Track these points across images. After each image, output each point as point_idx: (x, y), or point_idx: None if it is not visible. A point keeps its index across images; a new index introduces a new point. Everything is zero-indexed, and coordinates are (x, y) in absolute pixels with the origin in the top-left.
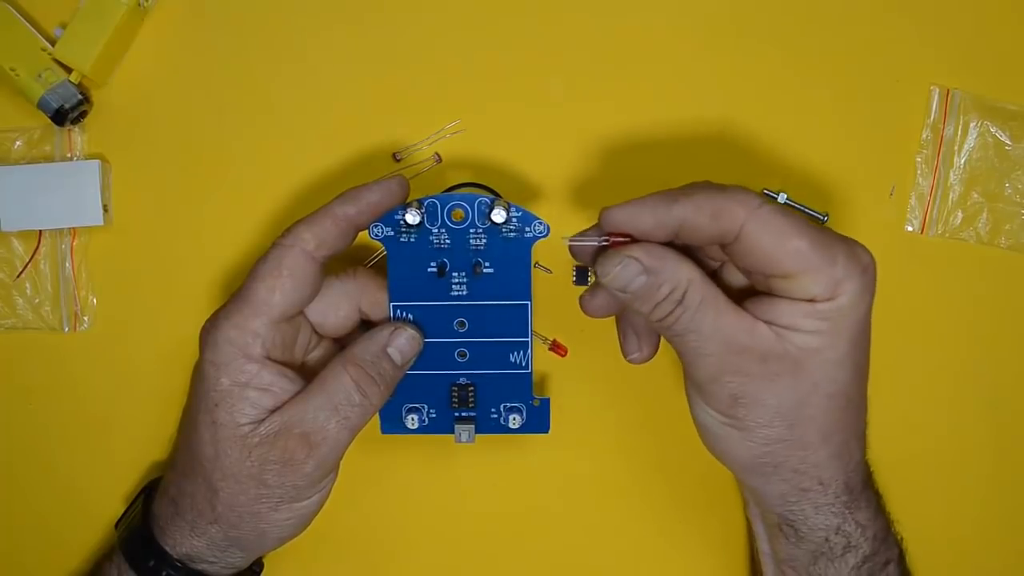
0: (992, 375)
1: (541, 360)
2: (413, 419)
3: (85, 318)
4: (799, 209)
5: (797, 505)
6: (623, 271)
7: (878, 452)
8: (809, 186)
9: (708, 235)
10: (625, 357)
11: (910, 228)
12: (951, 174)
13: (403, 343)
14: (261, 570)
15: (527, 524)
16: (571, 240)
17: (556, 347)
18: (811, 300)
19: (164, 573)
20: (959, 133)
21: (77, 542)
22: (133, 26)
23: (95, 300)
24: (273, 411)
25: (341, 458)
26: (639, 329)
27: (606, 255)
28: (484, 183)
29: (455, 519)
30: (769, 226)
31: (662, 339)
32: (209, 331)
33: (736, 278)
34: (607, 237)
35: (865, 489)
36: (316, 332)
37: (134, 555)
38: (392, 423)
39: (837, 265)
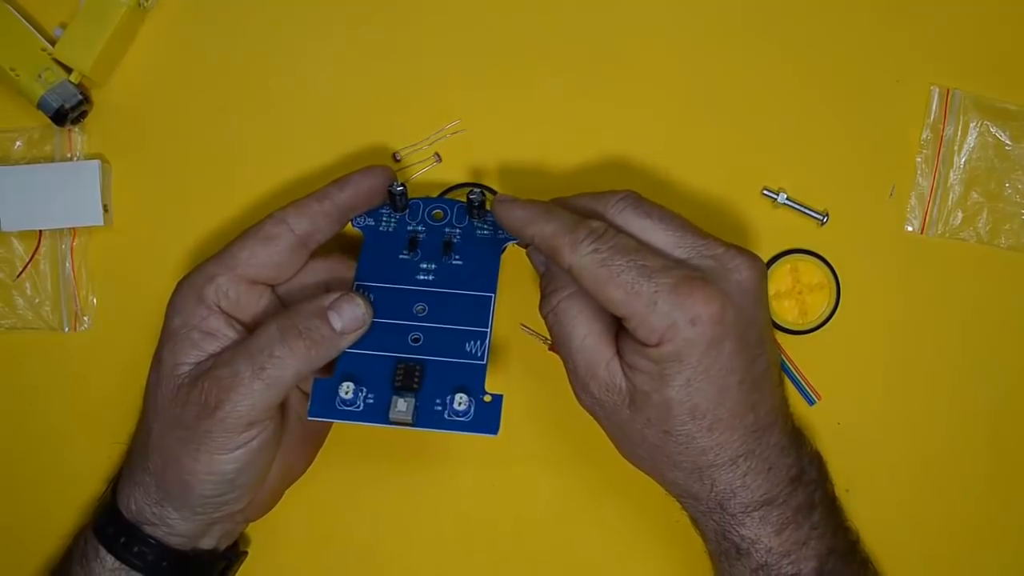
0: (992, 375)
1: (540, 362)
2: (348, 388)
3: (85, 318)
4: (797, 209)
5: (691, 510)
6: (532, 253)
7: (877, 451)
8: (809, 186)
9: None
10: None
11: (910, 228)
12: (951, 174)
13: (347, 310)
14: (237, 558)
15: (519, 529)
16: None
17: (555, 348)
18: (642, 343)
19: (122, 540)
20: (959, 133)
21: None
22: (133, 26)
23: (95, 300)
24: (212, 356)
25: (262, 412)
26: None
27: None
28: (484, 183)
29: (440, 525)
30: (587, 274)
31: None
32: (181, 280)
33: None
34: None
35: (750, 510)
36: (284, 305)
37: (98, 523)
38: (322, 406)
39: (656, 315)
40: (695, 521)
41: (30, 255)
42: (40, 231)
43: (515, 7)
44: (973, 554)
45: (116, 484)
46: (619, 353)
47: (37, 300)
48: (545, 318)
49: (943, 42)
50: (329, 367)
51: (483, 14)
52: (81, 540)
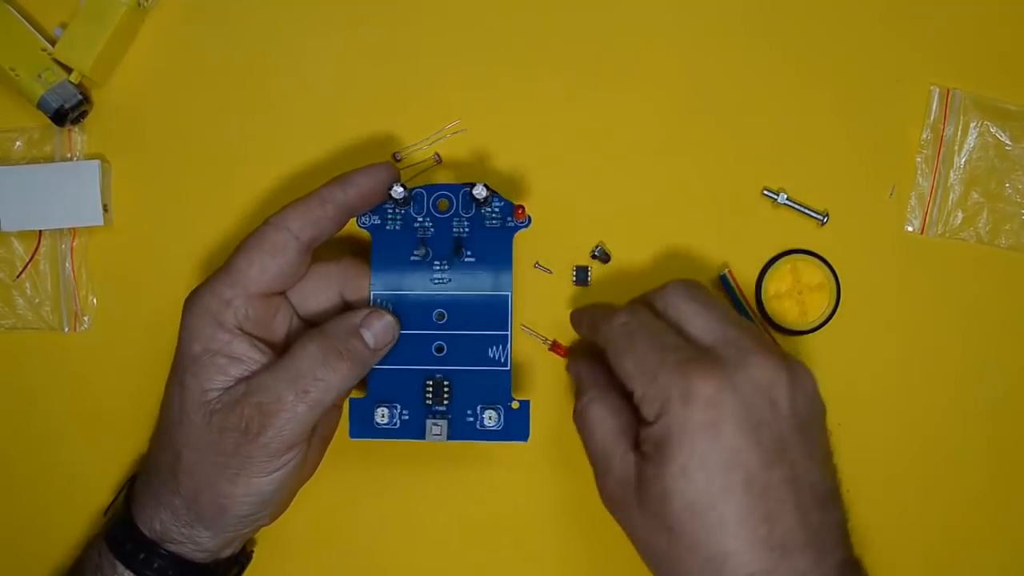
0: (992, 375)
1: (538, 364)
2: (384, 413)
3: (85, 318)
4: (797, 209)
5: None
6: (569, 367)
7: (877, 451)
8: (809, 186)
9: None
10: None
11: (910, 228)
12: (951, 174)
13: (378, 326)
14: (247, 561)
15: (526, 530)
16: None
17: (556, 347)
18: (644, 420)
19: (141, 556)
20: (959, 133)
21: (77, 540)
22: (133, 26)
23: (95, 300)
24: (241, 380)
25: (302, 434)
26: None
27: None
28: (485, 183)
29: (445, 528)
30: (611, 343)
31: None
32: (190, 298)
33: None
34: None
35: None
36: (298, 315)
37: (114, 538)
38: (362, 426)
39: (654, 386)
40: None
41: (30, 255)
42: (40, 231)
43: (515, 7)
44: (973, 554)
45: (130, 499)
46: (635, 446)
47: (37, 300)
48: (575, 422)
49: (943, 42)
50: (360, 383)
51: (483, 14)
52: (94, 553)
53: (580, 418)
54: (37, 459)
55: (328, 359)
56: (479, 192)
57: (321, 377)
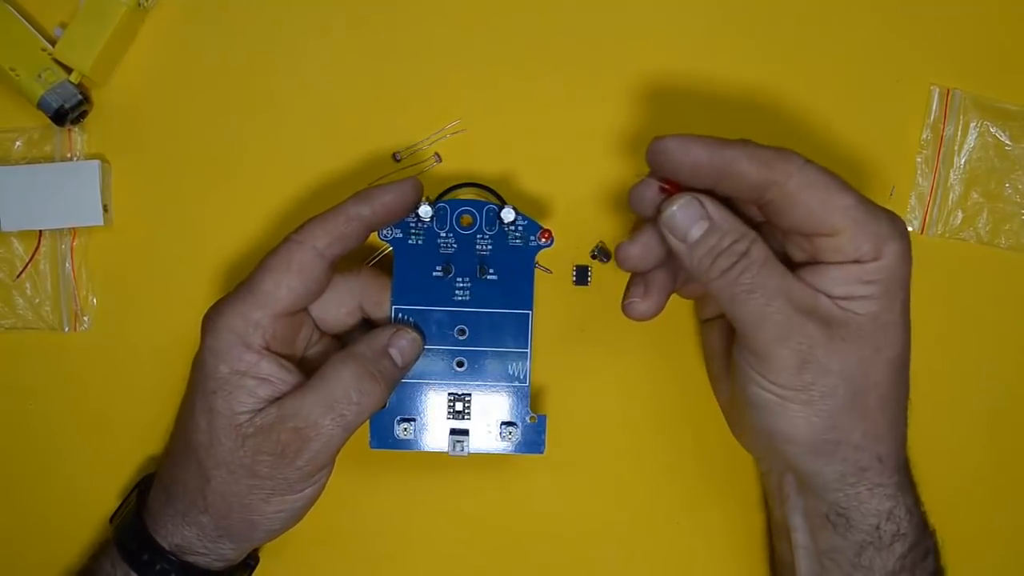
0: (992, 375)
1: (552, 378)
2: (407, 428)
3: (85, 318)
4: None
5: (853, 488)
6: (685, 210)
7: None
8: None
9: (753, 183)
10: (624, 306)
11: (910, 228)
12: (951, 174)
13: (404, 344)
14: (256, 563)
15: (530, 538)
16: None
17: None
18: (856, 261)
19: (158, 567)
20: (959, 133)
21: (77, 541)
22: (133, 26)
23: (95, 300)
24: (271, 402)
25: (335, 454)
26: (655, 280)
27: (672, 197)
28: (485, 183)
29: (453, 533)
30: (817, 182)
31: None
32: (211, 318)
33: (773, 248)
34: (663, 183)
35: (910, 470)
36: (317, 328)
37: (128, 549)
38: (382, 437)
39: (881, 223)
40: (844, 512)
41: (30, 255)
42: (40, 231)
43: (515, 7)
44: (973, 554)
45: (141, 509)
46: (821, 291)
47: (37, 300)
48: (729, 270)
49: (943, 42)
50: None
51: (483, 14)
52: (106, 562)
53: (763, 277)
54: (36, 459)
55: (363, 383)
56: (507, 215)
57: (356, 401)
